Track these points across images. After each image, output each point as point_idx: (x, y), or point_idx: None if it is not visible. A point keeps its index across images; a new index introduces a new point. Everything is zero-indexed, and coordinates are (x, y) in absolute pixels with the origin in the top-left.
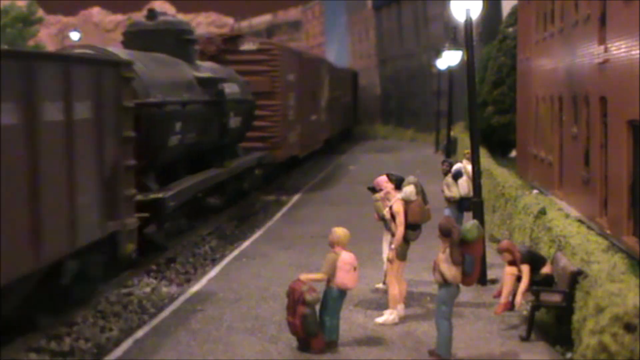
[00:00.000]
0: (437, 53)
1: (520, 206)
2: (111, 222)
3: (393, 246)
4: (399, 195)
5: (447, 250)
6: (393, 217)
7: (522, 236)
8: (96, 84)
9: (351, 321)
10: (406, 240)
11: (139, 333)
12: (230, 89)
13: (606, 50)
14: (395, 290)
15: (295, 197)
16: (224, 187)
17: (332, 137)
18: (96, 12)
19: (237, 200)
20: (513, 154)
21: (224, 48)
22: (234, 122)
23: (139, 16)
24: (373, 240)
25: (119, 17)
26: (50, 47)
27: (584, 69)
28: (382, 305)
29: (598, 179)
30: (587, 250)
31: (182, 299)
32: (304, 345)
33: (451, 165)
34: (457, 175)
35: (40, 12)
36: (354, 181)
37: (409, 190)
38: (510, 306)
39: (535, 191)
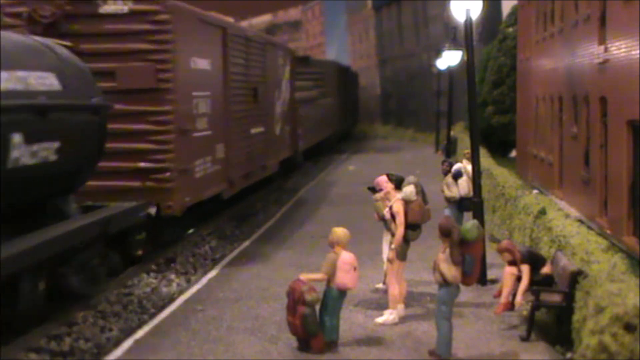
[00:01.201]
0: (437, 53)
1: (520, 206)
2: None
3: (393, 246)
4: (399, 195)
5: (447, 250)
6: (393, 217)
7: (522, 236)
8: None
9: (351, 321)
10: (406, 240)
11: (139, 333)
12: (22, 84)
13: (606, 50)
14: (395, 290)
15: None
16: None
17: (295, 155)
18: None
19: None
20: (513, 154)
21: (72, 12)
22: (28, 153)
23: None
24: (373, 240)
25: None
26: None
27: (584, 69)
28: (382, 305)
29: (598, 179)
30: (587, 250)
31: (182, 298)
32: (304, 345)
33: (451, 165)
34: (457, 175)
35: None
36: (353, 181)
37: (409, 190)
38: (510, 306)
39: (535, 191)
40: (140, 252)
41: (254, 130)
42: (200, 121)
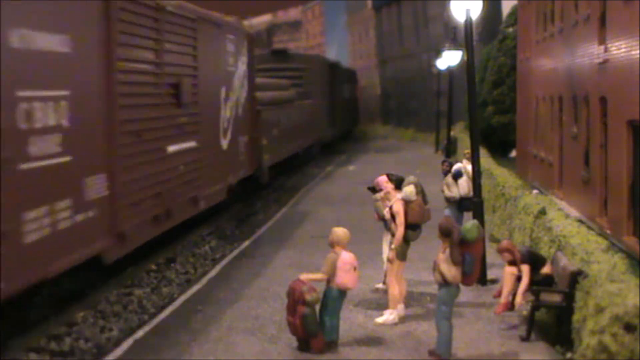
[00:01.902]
0: (437, 53)
1: (520, 206)
2: None
3: (393, 246)
4: (399, 195)
5: (447, 250)
6: (393, 217)
7: (522, 236)
8: None
9: (351, 321)
10: (406, 240)
11: (139, 333)
12: None
13: (606, 50)
14: (395, 290)
15: None
16: None
17: (259, 173)
18: None
19: None
20: (513, 154)
21: None
22: None
23: None
24: (373, 240)
25: None
26: None
27: (584, 69)
28: (382, 305)
29: (598, 179)
30: (587, 250)
31: (182, 298)
32: (304, 345)
33: (451, 165)
34: (457, 175)
35: None
36: (354, 181)
37: (409, 190)
38: (510, 306)
39: (535, 191)
40: None
41: (174, 147)
42: (41, 141)
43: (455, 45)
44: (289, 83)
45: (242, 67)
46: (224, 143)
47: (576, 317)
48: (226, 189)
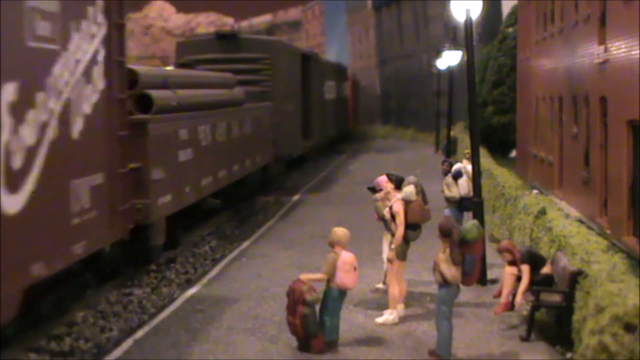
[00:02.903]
0: (437, 53)
1: (520, 206)
2: None
3: (393, 246)
4: (399, 195)
5: (447, 250)
6: (393, 217)
7: (522, 236)
8: None
9: (351, 321)
10: (406, 240)
11: (139, 333)
12: None
13: (606, 50)
14: (395, 290)
15: None
16: None
17: (144, 238)
18: None
19: None
20: (513, 154)
21: None
22: None
23: (139, 16)
24: (373, 240)
25: None
26: None
27: (584, 69)
28: (382, 305)
29: (598, 179)
30: (587, 250)
31: (182, 298)
32: (304, 345)
33: (451, 165)
34: (457, 175)
35: None
36: (353, 181)
37: (409, 190)
38: (510, 306)
39: (535, 191)
40: None
41: None
42: None
43: (455, 45)
44: (236, 79)
45: (87, 43)
46: (11, 201)
47: (576, 317)
48: (19, 298)
